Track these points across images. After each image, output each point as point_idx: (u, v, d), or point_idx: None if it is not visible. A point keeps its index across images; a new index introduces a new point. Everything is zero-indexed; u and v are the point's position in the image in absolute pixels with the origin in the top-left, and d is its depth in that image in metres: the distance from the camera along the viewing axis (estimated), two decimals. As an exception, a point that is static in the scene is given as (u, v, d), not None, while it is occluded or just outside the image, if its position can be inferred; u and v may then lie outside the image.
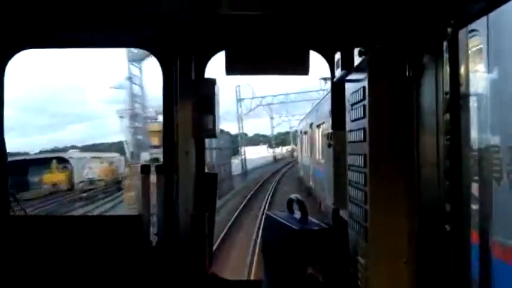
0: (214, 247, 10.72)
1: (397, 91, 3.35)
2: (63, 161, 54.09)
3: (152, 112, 48.03)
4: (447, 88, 2.80)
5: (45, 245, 4.62)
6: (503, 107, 3.67)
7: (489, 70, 3.79)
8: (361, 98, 3.51)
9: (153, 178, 4.56)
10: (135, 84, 45.10)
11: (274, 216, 4.56)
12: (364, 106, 3.46)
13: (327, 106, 17.89)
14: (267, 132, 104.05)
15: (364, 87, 3.46)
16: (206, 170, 5.00)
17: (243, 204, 30.89)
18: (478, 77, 3.82)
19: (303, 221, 4.30)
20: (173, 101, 4.49)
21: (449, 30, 2.77)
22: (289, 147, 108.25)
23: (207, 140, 5.05)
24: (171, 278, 4.44)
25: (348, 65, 3.62)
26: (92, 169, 56.75)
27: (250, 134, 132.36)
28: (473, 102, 3.26)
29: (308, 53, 4.60)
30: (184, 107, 4.48)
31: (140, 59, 43.50)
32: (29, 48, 4.75)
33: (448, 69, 2.78)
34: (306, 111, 48.16)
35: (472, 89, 3.09)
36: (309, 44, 4.61)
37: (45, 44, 4.93)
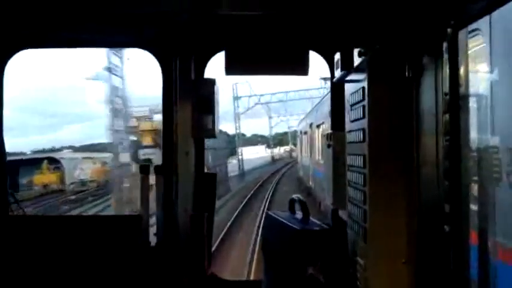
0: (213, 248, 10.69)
1: (397, 92, 3.42)
2: (54, 161, 53.89)
3: (146, 111, 47.59)
4: (447, 89, 2.86)
5: (44, 244, 4.70)
6: (505, 107, 3.73)
7: (492, 70, 3.84)
8: (361, 98, 3.58)
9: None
10: (116, 75, 40.17)
11: (274, 215, 4.65)
12: (363, 106, 3.54)
13: (326, 106, 18.01)
14: (265, 132, 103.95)
15: (363, 88, 3.53)
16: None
17: (238, 210, 28.97)
18: (480, 77, 3.87)
19: (304, 221, 4.38)
20: (173, 101, 4.58)
21: (449, 30, 2.84)
22: (287, 148, 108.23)
23: None
24: (170, 278, 4.53)
25: (347, 66, 3.69)
26: (84, 170, 56.49)
27: (248, 134, 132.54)
28: (472, 103, 3.33)
29: (308, 54, 4.68)
30: (183, 107, 4.56)
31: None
32: (29, 48, 4.83)
33: (448, 69, 2.85)
34: (305, 110, 48.20)
35: (471, 90, 3.14)
36: (308, 45, 4.70)
37: (45, 44, 5.01)
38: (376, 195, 3.45)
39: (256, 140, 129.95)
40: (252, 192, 39.55)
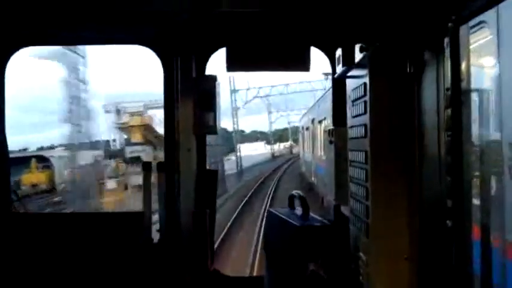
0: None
1: (398, 87, 3.54)
2: (43, 160, 53.50)
3: (140, 107, 46.97)
4: (448, 84, 2.94)
5: (46, 241, 4.86)
6: (508, 101, 3.81)
7: (498, 63, 3.90)
8: (362, 94, 3.70)
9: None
10: (77, 53, 35.22)
11: (275, 212, 4.80)
12: (365, 102, 3.65)
13: (328, 101, 18.13)
14: (265, 128, 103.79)
15: (365, 84, 3.65)
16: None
17: (233, 217, 26.16)
18: (483, 71, 3.96)
19: (304, 217, 4.54)
20: (174, 98, 4.73)
21: (450, 25, 2.91)
22: (287, 144, 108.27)
23: None
24: (173, 275, 4.69)
25: (349, 61, 3.81)
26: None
27: (248, 130, 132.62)
28: (474, 98, 3.43)
29: (309, 50, 4.82)
30: (185, 104, 4.72)
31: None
32: (30, 46, 4.98)
33: (449, 65, 2.93)
34: (307, 105, 48.08)
35: (473, 85, 3.24)
36: (309, 41, 4.83)
37: (46, 42, 5.15)
38: (378, 191, 3.55)
39: (255, 136, 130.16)
40: (252, 191, 39.16)
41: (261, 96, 67.16)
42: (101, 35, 4.88)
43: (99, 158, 42.73)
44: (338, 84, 4.58)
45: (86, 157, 37.80)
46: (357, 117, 3.86)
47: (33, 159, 51.56)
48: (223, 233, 21.38)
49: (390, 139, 3.56)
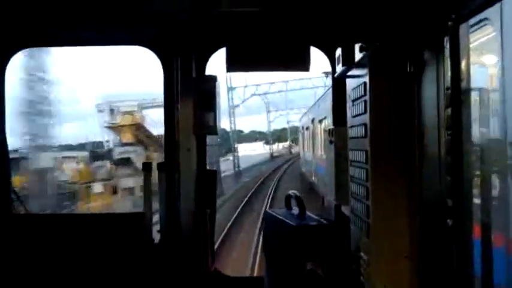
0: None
1: (398, 86, 3.62)
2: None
3: (134, 106, 46.37)
4: (448, 83, 3.02)
5: (47, 242, 4.95)
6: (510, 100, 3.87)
7: (500, 61, 3.96)
8: (362, 93, 3.77)
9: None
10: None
11: (273, 213, 4.92)
12: (365, 102, 3.72)
13: (328, 101, 18.27)
14: (263, 129, 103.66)
15: (365, 83, 3.73)
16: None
17: (228, 226, 24.28)
18: (484, 70, 4.03)
19: (301, 217, 4.65)
20: (174, 98, 4.83)
21: (450, 24, 2.99)
22: (285, 144, 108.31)
23: None
24: (174, 275, 4.78)
25: (348, 61, 3.89)
26: (64, 171, 55.59)
27: (247, 130, 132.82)
28: (475, 97, 3.50)
29: (309, 49, 4.91)
30: (185, 105, 4.82)
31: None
32: (31, 47, 5.09)
33: (449, 64, 3.00)
34: (306, 104, 48.04)
35: (474, 84, 3.30)
36: (309, 40, 4.92)
37: (46, 43, 5.25)
38: (379, 191, 3.63)
39: (254, 136, 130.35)
40: (252, 191, 39.08)
41: (259, 94, 66.40)
42: (100, 36, 4.97)
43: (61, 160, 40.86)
44: (338, 84, 4.67)
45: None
46: (357, 117, 3.94)
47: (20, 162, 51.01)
48: (222, 236, 21.11)
49: (390, 138, 3.63)
